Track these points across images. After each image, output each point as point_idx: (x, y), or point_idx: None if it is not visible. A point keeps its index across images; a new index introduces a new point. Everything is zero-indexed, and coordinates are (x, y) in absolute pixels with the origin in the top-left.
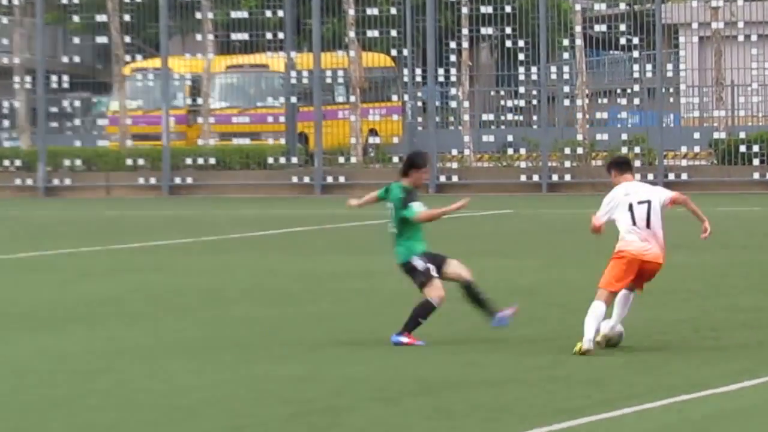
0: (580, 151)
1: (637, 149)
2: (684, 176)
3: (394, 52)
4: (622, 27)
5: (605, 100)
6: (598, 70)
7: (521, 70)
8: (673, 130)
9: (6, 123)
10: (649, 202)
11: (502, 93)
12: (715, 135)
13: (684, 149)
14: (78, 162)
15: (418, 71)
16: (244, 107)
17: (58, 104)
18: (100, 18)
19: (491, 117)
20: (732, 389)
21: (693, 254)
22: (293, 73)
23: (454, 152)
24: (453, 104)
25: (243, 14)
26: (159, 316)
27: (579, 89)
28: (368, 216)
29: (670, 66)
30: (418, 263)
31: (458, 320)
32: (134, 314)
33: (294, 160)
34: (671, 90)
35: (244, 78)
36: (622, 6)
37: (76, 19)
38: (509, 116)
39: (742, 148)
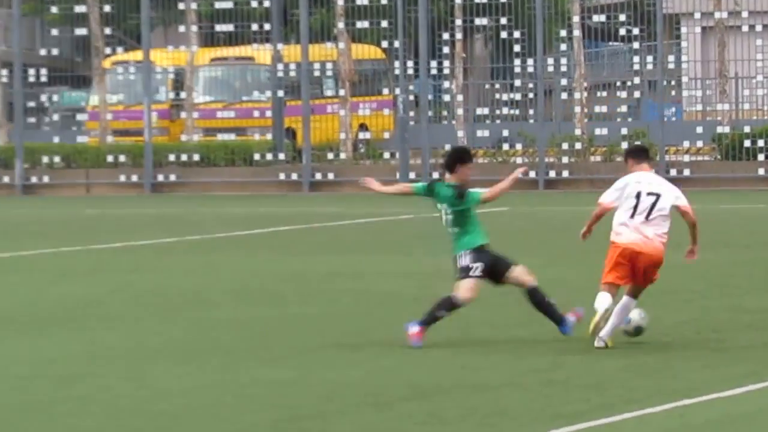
0: (578, 146)
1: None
2: (686, 172)
3: (384, 44)
4: (622, 17)
5: (604, 94)
6: (596, 62)
7: (517, 62)
8: (674, 124)
9: None
10: (658, 196)
11: (497, 86)
12: (719, 129)
13: (686, 144)
14: (57, 159)
15: (410, 63)
16: (229, 101)
17: (35, 99)
18: (79, 9)
19: (486, 111)
20: (736, 393)
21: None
22: (280, 66)
23: (448, 148)
24: (446, 98)
25: (228, 5)
26: (141, 319)
27: (577, 82)
28: (358, 214)
29: (671, 58)
30: (463, 260)
31: (452, 322)
32: (116, 316)
33: (281, 156)
34: (673, 83)
35: (229, 71)
36: None
37: (54, 9)
38: (504, 110)
39: (747, 143)
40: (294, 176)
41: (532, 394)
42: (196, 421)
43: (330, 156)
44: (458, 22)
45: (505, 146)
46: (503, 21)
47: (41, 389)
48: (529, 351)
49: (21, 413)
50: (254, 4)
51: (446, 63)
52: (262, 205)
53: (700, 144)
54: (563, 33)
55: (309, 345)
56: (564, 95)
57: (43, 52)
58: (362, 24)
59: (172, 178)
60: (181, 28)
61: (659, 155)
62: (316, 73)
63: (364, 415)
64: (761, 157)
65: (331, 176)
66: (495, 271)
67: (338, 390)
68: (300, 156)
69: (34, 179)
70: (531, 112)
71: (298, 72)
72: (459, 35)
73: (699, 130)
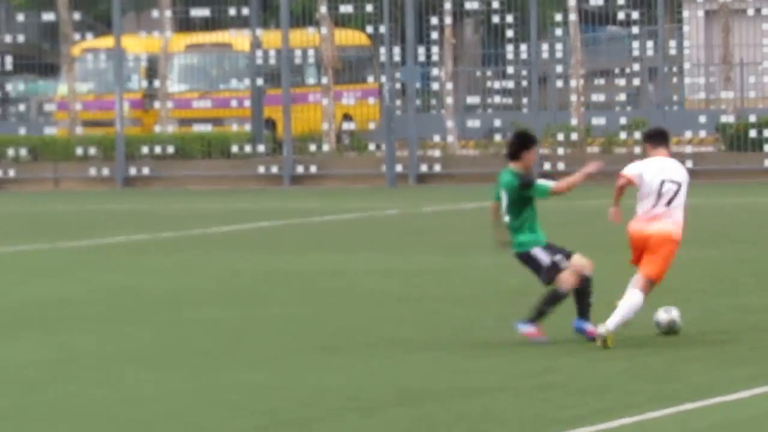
0: (574, 137)
1: (637, 134)
2: (689, 164)
3: (369, 29)
4: (621, 0)
5: (602, 81)
6: (594, 47)
7: (509, 48)
8: (676, 113)
9: None
10: (679, 184)
11: (489, 73)
12: (723, 118)
13: (688, 134)
14: (23, 152)
15: (397, 50)
16: (205, 90)
17: (0, 88)
18: None
19: (477, 100)
20: (742, 397)
21: (698, 249)
22: (259, 53)
23: (437, 139)
24: (435, 86)
25: None
26: (114, 320)
27: (573, 69)
28: (341, 210)
29: (673, 43)
30: (543, 257)
31: (442, 324)
32: (87, 318)
33: (260, 148)
34: (674, 69)
35: (206, 58)
36: None
37: None
38: (497, 99)
39: (753, 133)
40: (274, 169)
41: (527, 398)
42: (171, 428)
43: (312, 148)
44: (447, 6)
45: (497, 137)
46: (495, 5)
47: (9, 395)
48: (524, 353)
49: None
50: None
51: (435, 49)
52: (240, 200)
53: (703, 134)
54: (558, 17)
55: (290, 347)
56: (559, 83)
57: (8, 38)
58: (346, 8)
59: (146, 171)
60: (155, 13)
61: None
62: (298, 60)
63: (348, 421)
64: (767, 148)
65: (313, 169)
66: (565, 256)
67: (320, 395)
68: (280, 148)
69: None
70: (524, 100)
71: (278, 59)
72: (448, 20)
73: (702, 119)
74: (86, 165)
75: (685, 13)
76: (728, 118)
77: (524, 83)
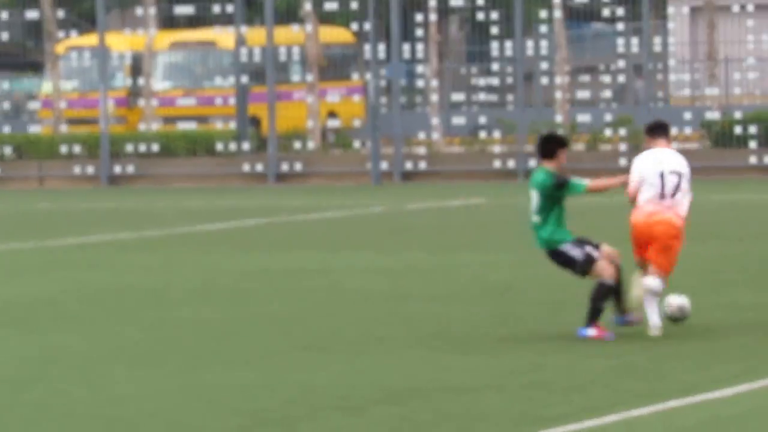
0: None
1: (622, 131)
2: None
3: (354, 26)
4: None
5: (587, 78)
6: (579, 44)
7: (494, 45)
8: (661, 110)
9: None
10: (680, 175)
11: (474, 70)
12: (708, 115)
13: (673, 131)
14: (8, 150)
15: (382, 47)
16: (189, 88)
17: None
18: None
19: (462, 97)
20: (727, 394)
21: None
22: (244, 50)
23: (422, 136)
24: (420, 83)
25: None
26: (98, 319)
27: (558, 66)
28: (327, 207)
29: (658, 39)
30: (575, 252)
31: (427, 322)
32: (71, 317)
33: (245, 146)
34: (659, 66)
35: (190, 56)
36: None
37: None
38: (482, 96)
39: (738, 130)
40: (259, 167)
41: (513, 396)
42: (156, 427)
43: (297, 145)
44: (432, 2)
45: (483, 134)
46: (480, 1)
47: None
48: (509, 351)
49: None
50: None
51: (420, 46)
52: (225, 198)
53: (688, 131)
54: (543, 14)
55: (275, 346)
56: (544, 80)
57: None
58: (331, 5)
59: (130, 169)
60: (139, 11)
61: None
62: (282, 58)
63: (334, 419)
64: (753, 144)
65: (298, 167)
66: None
67: (306, 393)
68: (265, 146)
69: None
70: (509, 97)
71: (262, 56)
72: (433, 17)
73: (687, 116)
74: (71, 163)
75: (670, 10)
76: (713, 115)
77: (509, 80)
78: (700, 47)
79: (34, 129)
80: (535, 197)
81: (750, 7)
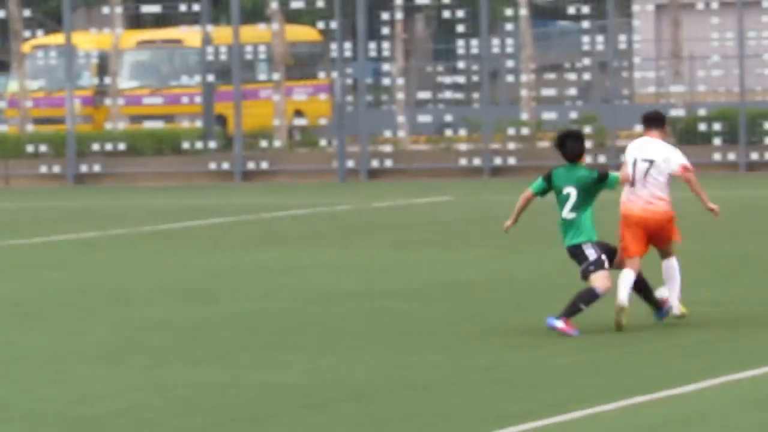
0: (525, 131)
1: (587, 129)
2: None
3: (321, 25)
4: None
5: (552, 76)
6: (544, 42)
7: (460, 43)
8: (625, 107)
9: None
10: (651, 161)
11: (440, 69)
12: (672, 112)
13: (638, 128)
14: None
15: (348, 45)
16: (156, 87)
17: None
18: None
19: (428, 95)
20: (690, 390)
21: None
22: (210, 49)
23: (388, 134)
24: (386, 81)
25: None
26: (63, 318)
27: (524, 64)
28: (293, 205)
29: (623, 37)
30: (591, 252)
31: (392, 320)
32: (35, 316)
33: (211, 144)
34: (624, 64)
35: (156, 55)
36: None
37: None
38: (448, 94)
39: (702, 127)
40: (225, 165)
41: (477, 393)
42: (121, 426)
43: (263, 144)
44: (398, 1)
45: (448, 132)
46: (446, 0)
47: None
48: (473, 349)
49: None
50: None
51: (386, 45)
52: (191, 196)
53: None
54: (509, 12)
55: (241, 344)
56: (510, 78)
57: None
58: (297, 4)
59: (97, 168)
60: (105, 10)
61: (610, 140)
62: (249, 56)
63: (300, 417)
64: (717, 141)
65: (264, 165)
66: (610, 258)
67: (272, 391)
68: (231, 144)
69: None
70: (476, 95)
71: (229, 55)
72: (399, 15)
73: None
74: (37, 162)
75: (635, 8)
76: (678, 112)
77: (475, 78)
78: (665, 45)
79: (0, 128)
80: (573, 194)
81: (714, 5)
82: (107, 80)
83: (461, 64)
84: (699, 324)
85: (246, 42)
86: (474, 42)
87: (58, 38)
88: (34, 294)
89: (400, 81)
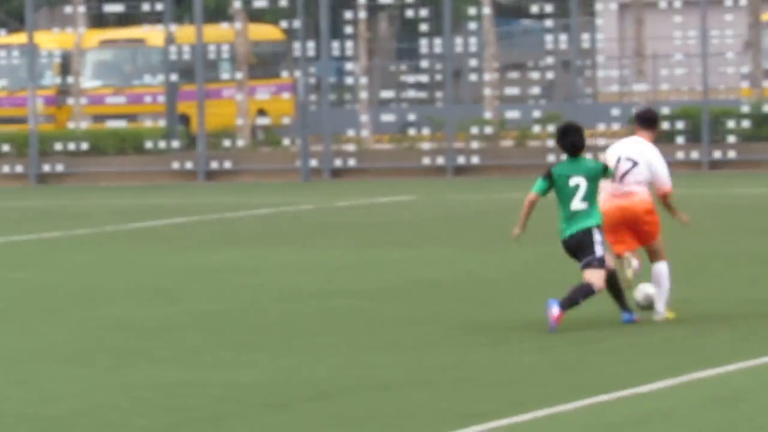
0: (488, 130)
1: (551, 128)
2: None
3: (284, 24)
4: None
5: (516, 75)
6: (507, 41)
7: (424, 42)
8: (589, 106)
9: None
10: (635, 163)
11: (403, 68)
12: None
13: (602, 127)
14: None
15: (311, 45)
16: (119, 86)
17: None
18: None
19: (391, 94)
20: (653, 388)
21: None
22: (173, 48)
23: (351, 133)
24: (349, 81)
25: None
26: (26, 318)
27: (487, 63)
28: (257, 205)
29: (586, 36)
30: (600, 247)
31: (356, 319)
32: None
33: (175, 144)
34: (588, 63)
35: (119, 54)
36: None
37: None
38: (411, 93)
39: (665, 125)
40: (188, 165)
41: (440, 392)
42: (84, 426)
43: (226, 143)
44: (361, 0)
45: (412, 131)
46: None
47: None
48: (436, 348)
49: None
50: None
51: (349, 44)
52: (154, 196)
53: (616, 127)
54: (472, 11)
55: (204, 344)
56: (473, 77)
57: None
58: (260, 3)
59: (59, 168)
60: (68, 9)
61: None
62: (212, 56)
63: (263, 417)
64: (680, 140)
65: (227, 165)
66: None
67: (235, 391)
68: (194, 143)
69: None
70: (439, 94)
71: (192, 54)
72: (362, 14)
73: (615, 112)
74: None
75: (599, 6)
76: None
77: (438, 77)
78: (628, 43)
79: None
80: (583, 184)
81: (677, 4)
82: (70, 80)
83: (424, 63)
84: (661, 324)
85: (209, 41)
86: (437, 41)
87: (20, 37)
88: None
89: (364, 80)
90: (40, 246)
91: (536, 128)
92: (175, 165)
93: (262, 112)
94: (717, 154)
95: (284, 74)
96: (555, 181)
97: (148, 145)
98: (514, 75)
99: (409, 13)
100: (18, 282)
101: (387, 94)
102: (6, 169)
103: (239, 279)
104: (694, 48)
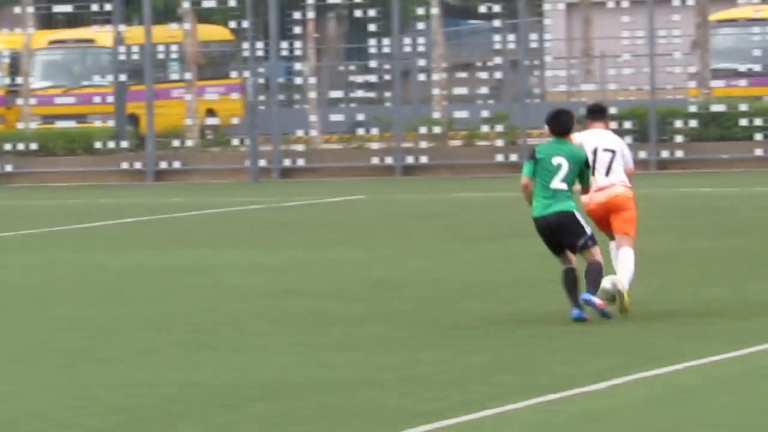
0: (437, 130)
1: (499, 127)
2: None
3: (233, 24)
4: None
5: (464, 75)
6: (456, 41)
7: (372, 42)
8: (537, 106)
9: None
10: (614, 152)
11: (352, 68)
12: (584, 111)
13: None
14: None
15: (260, 45)
16: (68, 87)
17: None
18: None
19: (340, 94)
20: (601, 387)
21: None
22: (122, 49)
23: (300, 133)
24: (298, 80)
25: None
26: None
27: (435, 63)
28: (206, 205)
29: (534, 36)
30: (586, 225)
31: (305, 318)
32: None
33: (124, 144)
34: (536, 62)
35: (69, 54)
36: None
37: None
38: (360, 93)
39: (613, 125)
40: (138, 165)
41: (389, 392)
42: (34, 425)
43: (176, 143)
44: (310, 0)
45: (360, 131)
46: None
47: None
48: (385, 347)
49: None
50: None
51: (298, 44)
52: (104, 195)
53: None
54: (421, 11)
55: (153, 344)
56: (422, 76)
57: None
58: (209, 3)
59: (8, 168)
60: (17, 9)
61: (522, 139)
62: (161, 56)
63: (212, 416)
64: (628, 139)
65: (177, 165)
66: None
67: (184, 391)
68: (144, 144)
69: None
70: (387, 94)
71: (141, 55)
72: (311, 14)
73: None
74: None
75: (546, 6)
76: None
77: (387, 77)
78: (576, 43)
79: None
80: (564, 165)
81: (625, 3)
82: (19, 80)
83: (373, 63)
84: (611, 321)
85: (158, 42)
86: (386, 41)
87: None
88: None
89: (312, 80)
90: None
91: (485, 128)
92: (125, 165)
93: (211, 112)
94: (665, 154)
95: (233, 74)
96: (538, 161)
97: (98, 145)
98: (462, 75)
99: (358, 13)
100: None
101: (336, 94)
102: None
103: (189, 279)
104: (641, 48)
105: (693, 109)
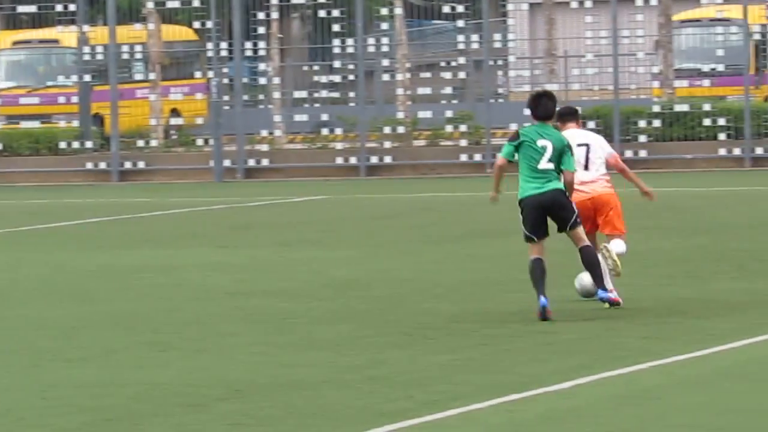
0: (401, 130)
1: (463, 127)
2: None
3: (197, 24)
4: None
5: (428, 75)
6: (420, 41)
7: (336, 42)
8: (501, 106)
9: None
10: (587, 145)
11: (316, 68)
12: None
13: (514, 126)
14: None
15: (224, 45)
16: (33, 87)
17: None
18: None
19: (304, 94)
20: (565, 387)
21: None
22: (86, 49)
23: (264, 133)
24: (262, 81)
25: None
26: None
27: (399, 63)
28: (170, 205)
29: (498, 36)
30: (573, 204)
31: (269, 318)
32: None
33: (88, 144)
34: (499, 62)
35: (33, 55)
36: None
37: None
38: (324, 93)
39: None
40: (102, 165)
41: (353, 391)
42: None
43: (140, 143)
44: (274, 0)
45: (325, 131)
46: None
47: None
48: (350, 347)
49: None
50: None
51: (262, 44)
52: (68, 195)
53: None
54: (384, 11)
55: (118, 343)
56: (386, 77)
57: None
58: (173, 3)
59: None
60: None
61: (486, 138)
62: (125, 56)
63: (177, 416)
64: None
65: (141, 165)
66: None
67: (149, 391)
68: (108, 144)
69: None
70: (351, 94)
71: (105, 55)
72: (275, 14)
73: (527, 112)
74: None
75: (510, 6)
76: None
77: (351, 77)
78: (540, 43)
79: None
80: (549, 147)
81: (588, 3)
82: None
83: (337, 63)
84: (575, 321)
85: (122, 42)
86: (350, 41)
87: None
88: None
89: (277, 80)
90: None
91: (449, 128)
92: (89, 165)
93: (175, 113)
94: (628, 153)
95: (197, 74)
96: (522, 143)
97: (62, 145)
98: (426, 75)
99: (322, 13)
100: None
101: (300, 94)
102: None
103: (154, 279)
104: (605, 48)
105: (656, 108)
